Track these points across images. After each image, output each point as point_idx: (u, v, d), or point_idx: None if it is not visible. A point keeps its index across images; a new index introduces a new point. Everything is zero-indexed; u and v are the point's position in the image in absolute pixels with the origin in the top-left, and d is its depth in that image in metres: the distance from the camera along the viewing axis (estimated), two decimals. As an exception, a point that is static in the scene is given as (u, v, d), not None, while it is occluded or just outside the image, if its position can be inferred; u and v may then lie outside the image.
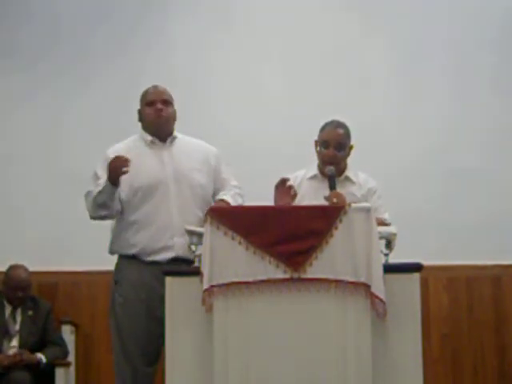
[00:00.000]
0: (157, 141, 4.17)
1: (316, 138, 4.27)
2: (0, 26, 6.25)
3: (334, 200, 3.91)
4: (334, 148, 4.18)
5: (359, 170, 4.31)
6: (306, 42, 6.09)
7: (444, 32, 6.09)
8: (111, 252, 4.21)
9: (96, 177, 4.08)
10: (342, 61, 6.08)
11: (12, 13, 6.24)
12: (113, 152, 4.11)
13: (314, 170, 4.28)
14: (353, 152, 4.29)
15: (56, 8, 6.25)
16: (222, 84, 6.08)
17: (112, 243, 4.18)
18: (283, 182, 4.03)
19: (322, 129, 4.26)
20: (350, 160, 4.30)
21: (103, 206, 4.02)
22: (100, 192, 3.97)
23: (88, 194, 4.08)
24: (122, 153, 4.03)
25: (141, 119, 4.23)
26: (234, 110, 6.05)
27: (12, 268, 5.61)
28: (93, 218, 4.14)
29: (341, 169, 4.22)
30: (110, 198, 3.98)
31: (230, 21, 6.18)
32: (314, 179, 4.25)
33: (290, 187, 4.04)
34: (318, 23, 6.12)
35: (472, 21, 6.07)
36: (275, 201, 4.03)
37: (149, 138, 4.16)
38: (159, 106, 4.14)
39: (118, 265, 4.18)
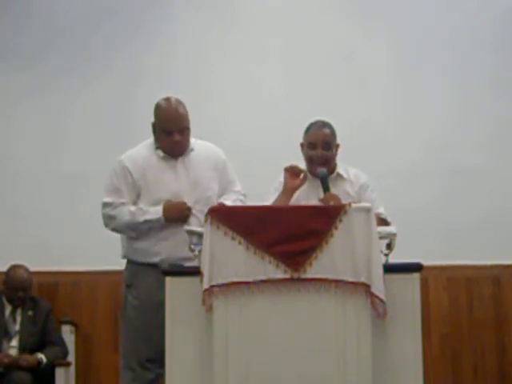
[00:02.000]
0: (169, 157, 4.14)
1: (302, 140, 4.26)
2: (0, 27, 6.25)
3: (331, 203, 3.92)
4: (321, 148, 4.17)
5: (349, 166, 4.30)
6: (305, 42, 6.09)
7: (444, 32, 6.09)
8: (125, 258, 4.19)
9: (115, 189, 4.08)
10: (342, 61, 6.07)
11: (12, 13, 6.24)
12: (128, 161, 4.10)
13: None
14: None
15: (56, 8, 6.24)
16: (222, 84, 6.08)
17: (128, 251, 4.16)
18: (292, 166, 4.10)
19: (307, 130, 4.24)
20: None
21: (139, 231, 4.06)
22: (147, 221, 4.02)
23: (106, 205, 4.09)
24: (138, 164, 4.07)
25: (154, 133, 4.16)
26: (234, 110, 6.05)
27: (13, 268, 5.61)
28: (112, 230, 4.17)
29: (331, 168, 4.21)
30: (154, 229, 4.04)
31: (230, 21, 6.18)
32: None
33: (300, 171, 4.10)
34: (318, 23, 6.12)
35: (472, 21, 6.07)
36: (285, 182, 4.11)
37: (161, 154, 4.14)
38: (177, 137, 4.07)
39: (130, 269, 4.16)
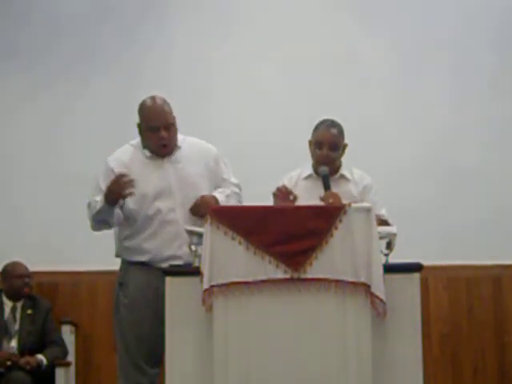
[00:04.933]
0: (155, 156, 4.11)
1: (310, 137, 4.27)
2: (0, 27, 6.25)
3: (330, 200, 3.92)
4: (327, 148, 4.16)
5: (354, 167, 4.30)
6: (306, 42, 6.08)
7: (444, 32, 6.08)
8: (118, 256, 4.19)
9: (98, 188, 4.05)
10: (342, 61, 6.07)
11: (12, 14, 6.23)
12: (114, 162, 4.08)
13: (309, 170, 4.27)
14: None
15: (56, 9, 6.24)
16: (222, 84, 6.08)
17: (119, 249, 4.16)
18: (280, 189, 4.06)
19: (316, 129, 4.23)
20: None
21: (103, 222, 4.05)
22: (98, 212, 3.97)
23: (89, 205, 4.08)
24: (124, 163, 4.04)
25: (140, 134, 4.13)
26: (234, 109, 6.04)
27: (10, 264, 5.64)
28: (94, 230, 4.16)
29: (335, 168, 4.21)
30: (109, 216, 3.99)
31: (231, 21, 6.18)
32: (308, 179, 4.24)
33: (289, 193, 4.06)
34: (319, 23, 6.12)
35: (472, 21, 6.07)
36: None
37: (148, 153, 4.11)
38: (163, 133, 4.03)
39: (123, 267, 4.15)
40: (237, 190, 4.22)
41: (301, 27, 6.11)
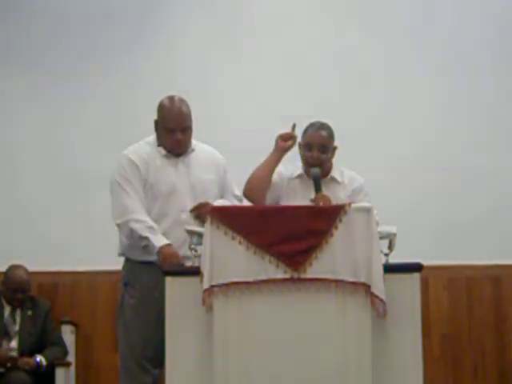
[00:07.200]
0: (171, 155, 4.14)
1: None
2: (7, 26, 6.23)
3: (321, 203, 3.91)
4: (317, 150, 4.15)
5: (344, 167, 4.28)
6: (306, 42, 6.09)
7: (444, 32, 6.08)
8: (122, 255, 4.17)
9: (127, 181, 4.04)
10: (342, 61, 6.07)
11: (14, 14, 6.22)
12: (133, 155, 4.10)
13: (300, 170, 4.26)
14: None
15: (59, 8, 6.23)
16: (222, 84, 6.08)
17: (125, 248, 4.13)
18: (286, 133, 4.10)
19: (305, 131, 4.22)
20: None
21: (135, 240, 4.02)
22: (147, 239, 3.94)
23: (123, 201, 4.04)
24: (143, 159, 4.07)
25: (157, 130, 4.16)
26: (234, 109, 6.04)
27: (11, 268, 5.60)
28: (117, 225, 4.11)
29: (326, 170, 4.19)
30: (149, 248, 3.99)
31: (231, 21, 6.18)
32: (299, 179, 4.23)
33: (292, 135, 4.09)
34: (319, 23, 6.12)
35: (472, 20, 6.07)
36: (276, 144, 4.11)
37: (163, 151, 4.13)
38: (179, 136, 4.07)
39: (127, 267, 4.14)
40: (237, 203, 4.24)
41: (301, 27, 6.11)
